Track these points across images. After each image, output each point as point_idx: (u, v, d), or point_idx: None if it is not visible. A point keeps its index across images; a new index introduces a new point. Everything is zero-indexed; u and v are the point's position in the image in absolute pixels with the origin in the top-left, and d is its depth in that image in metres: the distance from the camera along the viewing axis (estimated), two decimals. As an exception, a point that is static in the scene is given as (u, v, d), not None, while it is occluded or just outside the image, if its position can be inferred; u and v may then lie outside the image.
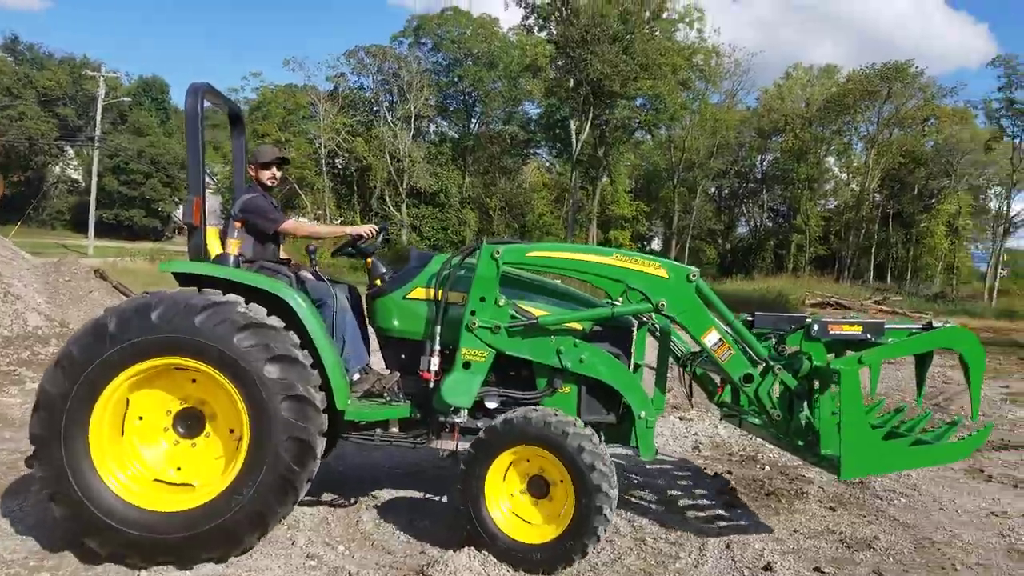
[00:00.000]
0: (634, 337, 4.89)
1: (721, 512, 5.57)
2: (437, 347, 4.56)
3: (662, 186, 52.92)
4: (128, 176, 58.99)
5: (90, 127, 60.91)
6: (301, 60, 49.38)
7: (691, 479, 6.40)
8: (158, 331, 4.08)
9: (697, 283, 4.48)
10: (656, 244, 59.44)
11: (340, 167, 47.18)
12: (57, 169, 61.64)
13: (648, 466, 6.43)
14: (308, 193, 46.02)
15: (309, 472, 4.20)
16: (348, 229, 5.08)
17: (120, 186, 58.65)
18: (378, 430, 4.72)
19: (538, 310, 4.59)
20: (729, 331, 4.59)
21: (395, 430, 4.73)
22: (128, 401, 4.27)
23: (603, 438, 4.75)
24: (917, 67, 45.70)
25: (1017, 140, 42.92)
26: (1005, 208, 48.06)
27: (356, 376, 4.73)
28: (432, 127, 50.41)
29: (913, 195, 52.79)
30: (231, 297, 4.26)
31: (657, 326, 5.10)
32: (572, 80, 31.62)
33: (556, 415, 4.25)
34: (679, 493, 5.99)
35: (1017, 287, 58.53)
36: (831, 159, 53.30)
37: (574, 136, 34.14)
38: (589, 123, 33.90)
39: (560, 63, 32.76)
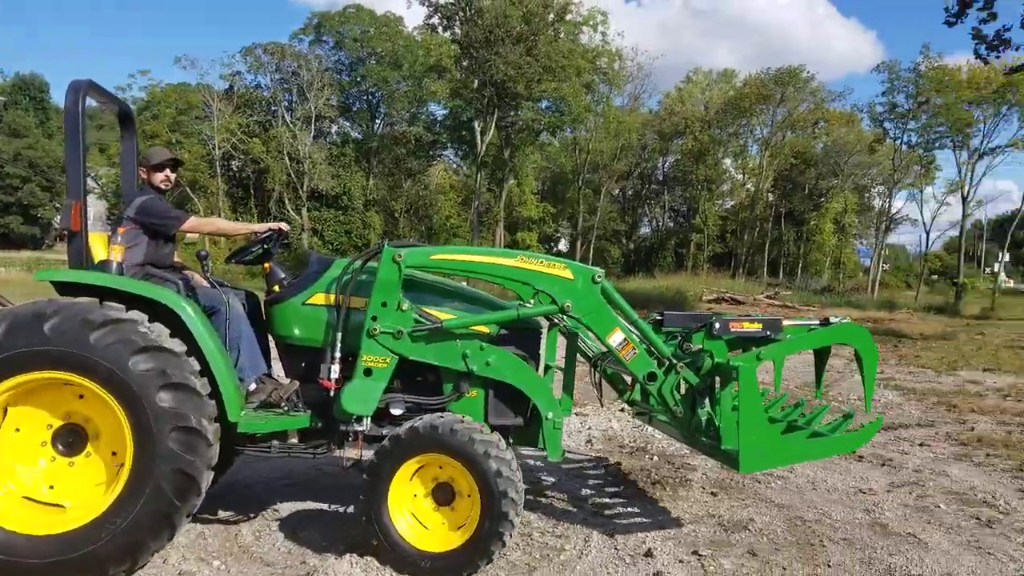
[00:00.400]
0: (543, 339, 4.91)
1: (609, 503, 5.65)
2: (338, 354, 4.44)
3: (568, 188, 53.73)
4: (3, 181, 55.49)
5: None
6: (193, 58, 47.15)
7: (582, 472, 6.46)
8: (48, 343, 3.87)
9: (602, 284, 4.50)
10: (563, 245, 60.31)
11: (236, 169, 45.70)
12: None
13: (539, 461, 6.49)
14: (201, 197, 44.36)
15: (190, 507, 4.01)
16: (256, 227, 4.94)
17: (-5, 191, 55.24)
18: (275, 442, 4.57)
19: (443, 314, 4.54)
20: (633, 331, 4.63)
21: (294, 441, 4.60)
22: (6, 411, 4.03)
23: (511, 441, 4.76)
24: (808, 72, 48.08)
25: (898, 142, 45.65)
26: (887, 206, 51.09)
27: (253, 386, 4.58)
28: (334, 128, 49.59)
29: (804, 194, 55.49)
30: (133, 314, 4.04)
31: (568, 327, 5.10)
32: (476, 81, 31.61)
33: (482, 431, 4.20)
34: (570, 486, 6.04)
35: (896, 280, 62.43)
36: (728, 161, 55.38)
37: (479, 137, 34.18)
38: (494, 125, 34.02)
39: (464, 64, 32.73)
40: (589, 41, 36.28)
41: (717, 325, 4.76)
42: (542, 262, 4.54)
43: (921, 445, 7.90)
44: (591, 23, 35.00)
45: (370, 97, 49.21)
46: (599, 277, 4.50)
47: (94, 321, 3.90)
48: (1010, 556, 4.81)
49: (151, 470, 3.89)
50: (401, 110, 48.03)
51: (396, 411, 4.46)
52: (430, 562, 4.12)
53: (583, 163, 47.34)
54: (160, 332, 4.05)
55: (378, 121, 49.57)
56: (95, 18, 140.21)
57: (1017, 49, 20.29)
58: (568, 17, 33.87)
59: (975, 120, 43.30)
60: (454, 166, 54.16)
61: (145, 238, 4.68)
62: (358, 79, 47.91)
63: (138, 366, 3.88)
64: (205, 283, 4.79)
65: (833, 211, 55.72)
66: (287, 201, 45.32)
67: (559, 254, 56.24)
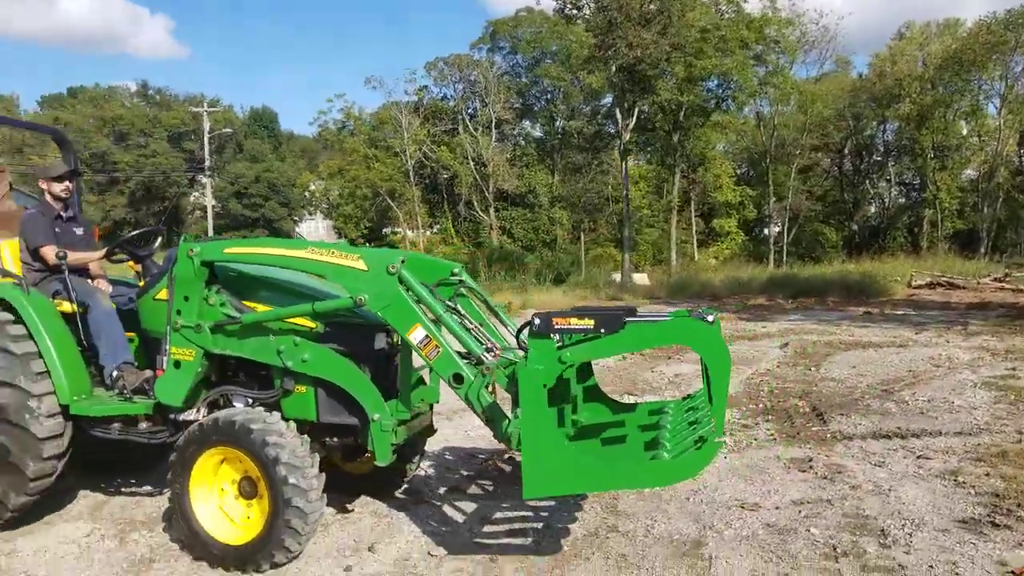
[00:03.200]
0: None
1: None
2: (167, 346, 4.64)
3: (770, 169, 50.11)
4: (249, 200, 63.47)
5: (212, 158, 66.52)
6: (381, 78, 50.70)
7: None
8: None
9: (400, 274, 4.15)
10: (774, 229, 56.28)
11: (428, 177, 48.31)
12: (193, 197, 67.02)
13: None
14: (401, 205, 47.45)
15: (21, 488, 4.65)
16: (94, 255, 5.44)
17: (243, 209, 63.25)
18: (116, 425, 4.86)
19: (262, 308, 4.57)
20: (438, 327, 4.24)
21: (144, 426, 4.86)
22: None
23: (358, 440, 4.61)
24: (1051, 9, 40.35)
25: None
26: None
27: (115, 374, 4.94)
28: (516, 129, 50.55)
29: (1070, 157, 46.55)
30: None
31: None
32: (613, 67, 30.37)
33: (280, 434, 4.13)
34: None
35: None
36: (962, 123, 48.14)
37: (620, 123, 32.93)
38: (635, 110, 32.48)
39: (597, 52, 31.64)
40: (763, 9, 33.30)
41: (537, 321, 4.06)
42: (333, 252, 4.33)
43: (918, 457, 6.44)
44: (750, -10, 32.07)
45: (549, 96, 49.55)
46: (395, 267, 4.14)
47: None
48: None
49: None
50: (581, 104, 47.73)
51: (238, 404, 4.59)
52: (221, 552, 4.23)
53: (770, 140, 43.74)
54: (12, 337, 4.63)
55: (559, 119, 49.59)
56: (301, 55, 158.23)
57: None
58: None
59: None
60: (647, 156, 52.66)
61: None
62: (534, 80, 48.50)
63: None
64: (104, 285, 5.34)
65: (1111, 174, 46.11)
66: (476, 203, 47.06)
67: (764, 241, 52.49)
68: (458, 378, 4.07)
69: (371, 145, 47.64)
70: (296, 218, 70.03)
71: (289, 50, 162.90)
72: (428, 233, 50.48)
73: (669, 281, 30.50)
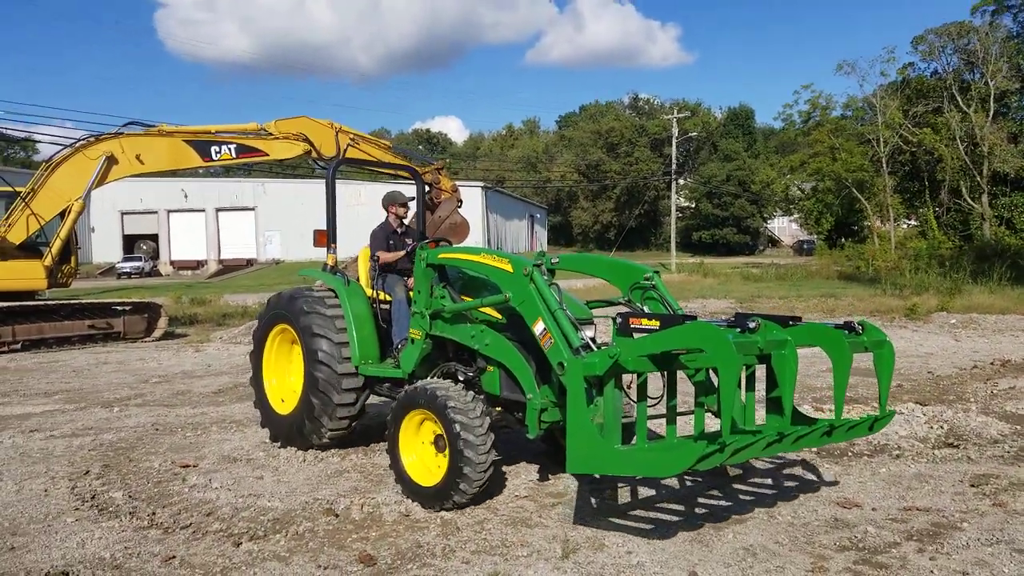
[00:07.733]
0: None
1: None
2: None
3: None
4: (719, 199, 64.31)
5: (691, 162, 69.09)
6: (854, 62, 44.84)
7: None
8: (279, 308, 6.77)
9: (532, 275, 4.83)
10: None
11: (905, 163, 42.85)
12: (670, 200, 70.92)
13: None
14: (870, 198, 43.15)
15: (330, 415, 6.19)
16: (398, 255, 6.69)
17: (713, 208, 64.48)
18: (386, 385, 6.28)
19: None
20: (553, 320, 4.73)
21: (404, 389, 5.63)
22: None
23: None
24: None
25: None
26: None
27: (400, 346, 6.19)
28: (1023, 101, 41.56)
29: None
30: (320, 293, 6.50)
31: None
32: None
33: (459, 400, 4.90)
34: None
35: None
36: None
37: None
38: None
39: None
40: None
41: (619, 320, 4.53)
42: (494, 257, 5.20)
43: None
44: None
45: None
46: (527, 270, 4.85)
47: (293, 296, 6.63)
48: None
49: (307, 389, 6.30)
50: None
51: (460, 377, 5.54)
52: (416, 489, 5.14)
53: None
54: (328, 306, 6.31)
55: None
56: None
57: None
58: None
59: None
60: None
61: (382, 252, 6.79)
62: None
63: (304, 321, 6.34)
64: (411, 282, 6.27)
65: None
66: (964, 190, 40.45)
67: None
68: (561, 366, 4.48)
69: (837, 134, 44.38)
70: (765, 216, 68.55)
71: (777, 45, 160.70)
72: (905, 226, 44.93)
73: None
